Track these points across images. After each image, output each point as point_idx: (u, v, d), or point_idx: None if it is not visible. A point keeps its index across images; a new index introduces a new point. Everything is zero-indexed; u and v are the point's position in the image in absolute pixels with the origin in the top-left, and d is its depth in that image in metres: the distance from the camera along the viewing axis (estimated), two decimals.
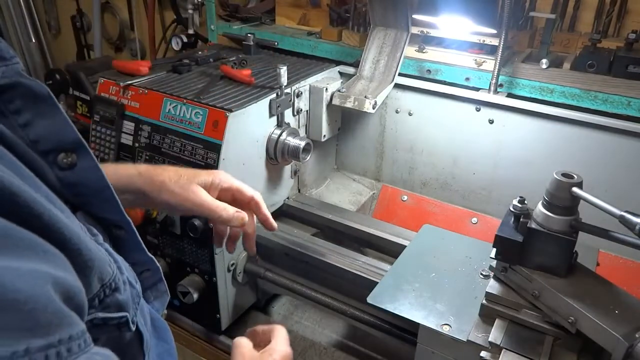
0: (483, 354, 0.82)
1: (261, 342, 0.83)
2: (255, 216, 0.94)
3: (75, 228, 0.38)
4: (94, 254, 0.39)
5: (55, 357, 0.31)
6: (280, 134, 1.23)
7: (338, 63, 1.50)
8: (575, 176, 0.77)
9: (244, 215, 0.86)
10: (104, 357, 0.36)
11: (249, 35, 1.54)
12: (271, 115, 1.22)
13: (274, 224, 0.96)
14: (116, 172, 0.78)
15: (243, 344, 0.80)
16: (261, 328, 0.87)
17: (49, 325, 0.31)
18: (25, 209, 0.34)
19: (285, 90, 1.23)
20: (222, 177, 0.88)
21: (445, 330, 0.87)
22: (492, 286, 0.87)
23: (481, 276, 0.99)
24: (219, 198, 0.86)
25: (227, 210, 0.84)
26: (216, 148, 1.10)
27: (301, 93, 1.32)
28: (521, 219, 0.82)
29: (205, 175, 0.85)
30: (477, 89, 1.34)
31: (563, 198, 0.77)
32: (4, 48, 0.42)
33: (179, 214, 0.89)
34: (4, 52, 0.42)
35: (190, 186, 0.82)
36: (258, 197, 0.92)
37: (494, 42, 1.30)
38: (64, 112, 0.45)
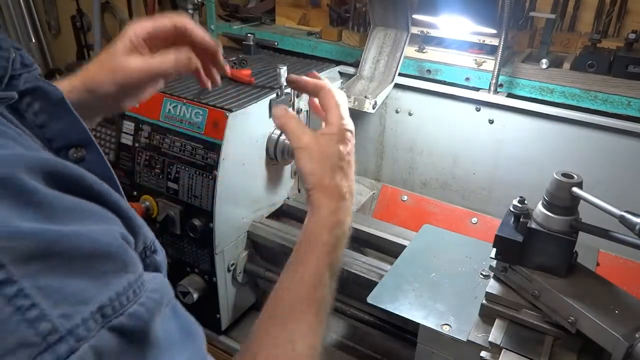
0: (483, 354, 0.82)
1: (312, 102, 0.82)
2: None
3: (122, 200, 0.44)
4: (139, 221, 0.46)
5: (139, 288, 0.39)
6: (280, 134, 1.23)
7: (338, 63, 1.50)
8: (575, 176, 0.77)
9: (185, 54, 0.76)
10: (160, 280, 0.44)
11: (249, 35, 1.54)
12: (271, 115, 1.22)
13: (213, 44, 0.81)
14: None
15: (288, 122, 0.76)
16: (305, 81, 0.83)
17: (132, 264, 0.40)
18: (89, 188, 0.41)
19: (285, 90, 1.23)
20: (135, 29, 0.78)
21: (445, 330, 0.87)
22: (492, 286, 0.87)
23: (481, 276, 0.99)
24: (152, 46, 0.78)
25: (168, 58, 0.75)
26: (216, 148, 1.10)
27: (301, 93, 1.32)
28: (521, 219, 0.82)
29: (119, 42, 0.79)
30: (477, 89, 1.34)
31: (563, 198, 0.77)
32: (25, 56, 0.47)
33: (133, 97, 0.82)
34: (25, 60, 0.46)
35: (114, 63, 0.77)
36: (182, 22, 0.78)
37: (494, 42, 1.30)
38: (75, 112, 0.49)
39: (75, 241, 0.36)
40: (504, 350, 0.79)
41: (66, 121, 0.48)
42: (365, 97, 1.31)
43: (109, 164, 0.50)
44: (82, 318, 0.35)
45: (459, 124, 1.37)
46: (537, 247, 0.81)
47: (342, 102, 0.80)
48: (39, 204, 0.36)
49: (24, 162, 0.37)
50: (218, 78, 0.86)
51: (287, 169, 1.37)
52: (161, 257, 0.50)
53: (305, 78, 0.84)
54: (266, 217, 1.31)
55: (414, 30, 1.39)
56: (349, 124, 0.77)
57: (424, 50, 1.40)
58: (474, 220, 1.42)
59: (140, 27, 0.78)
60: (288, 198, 1.41)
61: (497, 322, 0.84)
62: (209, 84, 0.85)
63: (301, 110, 1.34)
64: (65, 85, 0.75)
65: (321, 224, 0.72)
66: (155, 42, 0.79)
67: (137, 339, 0.38)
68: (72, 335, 0.34)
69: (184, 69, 0.77)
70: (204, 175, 1.13)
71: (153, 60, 0.77)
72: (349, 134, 0.76)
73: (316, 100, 0.83)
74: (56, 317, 0.33)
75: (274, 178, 1.32)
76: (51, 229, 0.35)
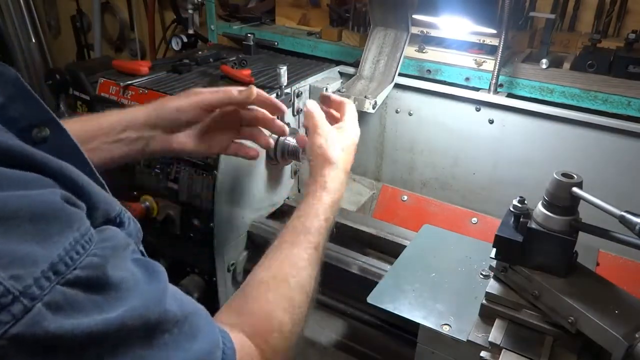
0: (483, 354, 0.82)
1: (329, 112, 1.00)
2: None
3: (73, 170, 0.46)
4: (98, 193, 0.47)
5: (88, 242, 0.41)
6: None
7: (338, 63, 1.50)
8: (575, 176, 0.77)
9: (250, 88, 0.91)
10: (113, 231, 0.46)
11: (249, 35, 1.54)
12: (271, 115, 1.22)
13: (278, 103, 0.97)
14: (117, 114, 0.88)
15: (317, 113, 0.93)
16: (333, 97, 1.01)
17: (76, 221, 0.42)
18: (28, 157, 0.42)
19: (285, 90, 1.23)
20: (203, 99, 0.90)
21: (445, 330, 0.87)
22: (492, 286, 0.87)
23: (481, 276, 0.99)
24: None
25: (234, 89, 0.91)
26: None
27: (301, 93, 1.32)
28: (521, 219, 0.82)
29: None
30: (477, 89, 1.34)
31: (563, 198, 0.77)
32: None
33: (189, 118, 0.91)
34: None
35: (191, 97, 0.89)
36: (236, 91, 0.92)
37: (494, 42, 1.30)
38: (33, 91, 0.49)
39: (17, 203, 0.38)
40: (504, 350, 0.79)
41: (25, 102, 0.48)
42: (365, 97, 1.31)
43: (74, 141, 0.50)
44: (33, 278, 0.37)
45: (459, 124, 1.37)
46: (537, 247, 0.80)
47: (355, 114, 1.01)
48: None
49: None
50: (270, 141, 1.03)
51: (287, 169, 1.37)
52: (131, 229, 0.50)
53: (333, 95, 1.04)
54: (266, 217, 1.31)
55: (414, 30, 1.39)
56: (358, 129, 0.99)
57: (424, 50, 1.40)
58: (474, 220, 1.42)
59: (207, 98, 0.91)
60: (288, 198, 1.41)
61: (497, 322, 0.84)
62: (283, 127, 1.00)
63: (301, 110, 1.34)
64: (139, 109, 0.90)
65: (320, 186, 0.87)
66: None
67: (97, 285, 0.41)
68: (25, 295, 0.36)
69: (249, 95, 0.91)
70: (204, 175, 1.13)
71: (226, 89, 0.92)
72: (355, 137, 0.97)
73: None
74: (7, 279, 0.35)
75: (274, 178, 1.32)
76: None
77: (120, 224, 0.49)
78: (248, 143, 1.01)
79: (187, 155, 0.97)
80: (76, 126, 0.83)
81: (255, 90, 0.91)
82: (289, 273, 0.73)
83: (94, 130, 0.85)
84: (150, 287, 0.46)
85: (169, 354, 0.45)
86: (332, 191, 0.86)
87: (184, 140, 0.92)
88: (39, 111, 0.49)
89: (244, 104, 0.94)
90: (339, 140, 0.92)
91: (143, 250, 0.54)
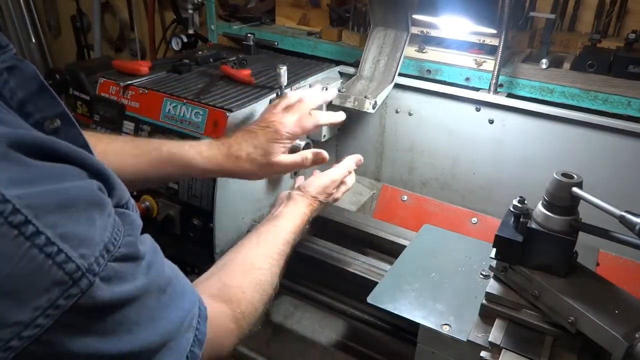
0: (483, 354, 0.82)
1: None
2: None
3: (96, 161, 0.50)
4: (115, 180, 0.52)
5: (120, 225, 0.48)
6: None
7: (338, 63, 1.50)
8: (575, 176, 0.77)
9: (323, 154, 1.09)
10: (132, 215, 0.53)
11: (249, 35, 1.54)
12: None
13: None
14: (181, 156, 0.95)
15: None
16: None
17: (109, 209, 0.48)
18: (64, 154, 0.46)
19: (285, 90, 1.23)
20: (286, 128, 1.00)
21: (445, 330, 0.87)
22: (492, 286, 0.87)
23: (481, 276, 0.99)
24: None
25: (308, 159, 1.07)
26: None
27: None
28: (521, 219, 0.82)
29: (278, 146, 0.99)
30: (477, 89, 1.34)
31: (563, 198, 0.77)
32: (1, 37, 0.51)
33: None
34: (1, 41, 0.51)
35: (267, 161, 0.98)
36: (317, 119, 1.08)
37: (494, 42, 1.30)
38: (49, 86, 0.53)
39: (75, 192, 0.44)
40: (504, 350, 0.79)
41: (42, 96, 0.52)
42: (365, 97, 1.31)
43: (81, 132, 0.54)
44: (94, 257, 0.44)
45: (459, 124, 1.37)
46: (537, 247, 0.81)
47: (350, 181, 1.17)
48: (35, 169, 0.43)
49: (6, 137, 0.41)
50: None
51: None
52: (134, 216, 0.55)
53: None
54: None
55: (414, 30, 1.39)
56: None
57: (424, 50, 1.40)
58: (474, 220, 1.42)
59: (291, 129, 1.01)
60: None
61: (497, 322, 0.84)
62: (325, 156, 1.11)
63: None
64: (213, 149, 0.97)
65: (296, 218, 1.02)
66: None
67: (132, 258, 0.49)
68: (90, 271, 0.43)
69: (322, 161, 1.10)
70: None
71: (296, 159, 1.05)
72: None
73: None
74: (77, 258, 0.42)
75: (274, 178, 1.32)
76: (57, 187, 0.43)
77: (127, 209, 0.54)
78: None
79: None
80: (131, 142, 0.98)
81: (324, 155, 1.09)
82: (263, 263, 0.86)
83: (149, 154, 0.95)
84: (157, 257, 0.55)
85: (169, 310, 0.54)
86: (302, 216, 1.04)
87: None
88: (53, 105, 0.53)
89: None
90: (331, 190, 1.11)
91: None
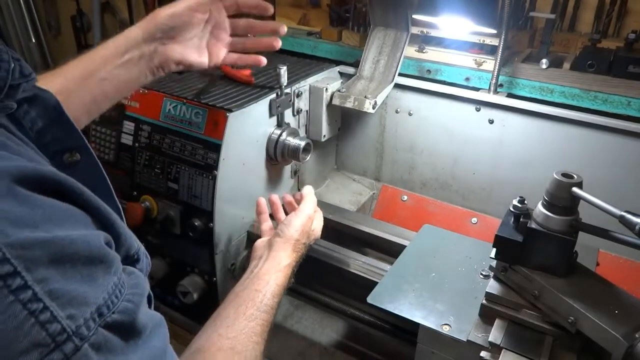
0: (483, 354, 0.82)
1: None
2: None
3: (107, 209, 0.47)
4: (125, 231, 0.48)
5: (122, 287, 0.43)
6: (280, 134, 1.23)
7: (338, 63, 1.50)
8: (575, 176, 0.77)
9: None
10: (138, 277, 0.47)
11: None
12: (271, 115, 1.22)
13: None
14: (114, 40, 0.88)
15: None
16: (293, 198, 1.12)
17: (114, 266, 0.43)
18: (77, 196, 0.43)
19: (285, 90, 1.23)
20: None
21: (445, 330, 0.87)
22: (492, 286, 0.87)
23: (481, 276, 0.99)
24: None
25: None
26: (216, 148, 1.10)
27: (301, 93, 1.32)
28: (521, 219, 0.82)
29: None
30: (477, 89, 1.34)
31: (563, 198, 0.77)
32: (24, 66, 0.49)
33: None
34: (24, 70, 0.49)
35: (183, 2, 0.91)
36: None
37: (494, 42, 1.30)
38: (70, 117, 0.52)
39: (75, 246, 0.40)
40: (504, 350, 0.79)
41: (62, 127, 0.51)
42: (365, 97, 1.31)
43: (101, 168, 0.52)
44: (84, 319, 0.38)
45: (459, 124, 1.37)
46: (537, 247, 0.81)
47: (313, 200, 1.11)
48: (40, 209, 0.39)
49: (11, 172, 0.39)
50: (277, 42, 1.06)
51: (287, 169, 1.37)
52: (143, 265, 0.52)
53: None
54: None
55: (414, 30, 1.39)
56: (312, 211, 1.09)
57: (424, 50, 1.40)
58: (474, 220, 1.42)
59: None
60: None
61: (497, 322, 0.84)
62: (277, 43, 1.05)
63: (301, 110, 1.35)
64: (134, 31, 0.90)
65: (279, 276, 0.94)
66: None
67: (128, 330, 0.43)
68: (77, 335, 0.38)
69: None
70: (204, 175, 1.13)
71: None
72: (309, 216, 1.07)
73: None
74: (64, 318, 0.37)
75: (274, 178, 1.32)
76: (57, 236, 0.38)
77: (137, 260, 0.51)
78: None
79: (189, 68, 0.98)
80: (79, 64, 0.85)
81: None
82: (246, 346, 0.78)
83: (97, 62, 0.86)
84: (158, 342, 0.47)
85: None
86: (284, 268, 0.95)
87: (184, 50, 0.93)
88: (73, 137, 0.51)
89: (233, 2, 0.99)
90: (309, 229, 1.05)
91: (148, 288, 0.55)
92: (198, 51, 0.97)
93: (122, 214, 0.52)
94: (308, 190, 1.11)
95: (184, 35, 0.93)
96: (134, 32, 0.89)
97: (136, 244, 0.50)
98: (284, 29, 1.04)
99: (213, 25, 0.98)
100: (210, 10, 0.96)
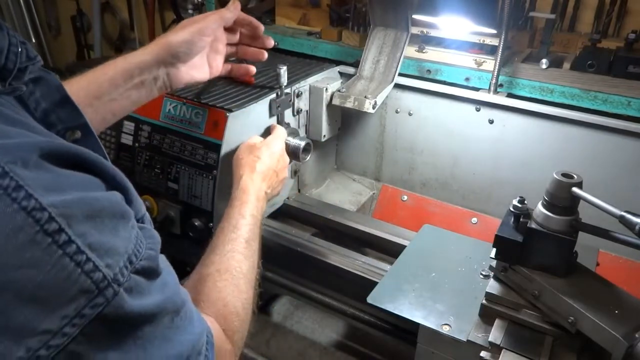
0: (483, 354, 0.82)
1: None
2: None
3: (118, 173, 0.50)
4: (134, 194, 0.52)
5: (142, 237, 0.48)
6: None
7: (338, 63, 1.50)
8: (575, 176, 0.77)
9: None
10: (151, 230, 0.52)
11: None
12: (271, 115, 1.22)
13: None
14: (130, 61, 0.93)
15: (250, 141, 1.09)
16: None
17: (133, 220, 0.48)
18: (92, 164, 0.47)
19: (285, 90, 1.23)
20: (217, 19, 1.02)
21: (445, 330, 0.87)
22: (492, 286, 0.87)
23: (481, 276, 0.99)
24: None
25: (224, 10, 1.02)
26: (216, 148, 1.10)
27: (301, 93, 1.32)
28: (521, 219, 0.82)
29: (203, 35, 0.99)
30: (477, 89, 1.34)
31: (563, 198, 0.77)
32: (30, 49, 0.52)
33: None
34: (30, 53, 0.51)
35: (190, 27, 0.97)
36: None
37: (494, 42, 1.30)
38: (72, 98, 0.54)
39: (100, 203, 0.44)
40: (504, 350, 0.79)
41: (65, 106, 0.54)
42: (365, 97, 1.31)
43: (101, 145, 0.56)
44: (119, 267, 0.44)
45: (459, 124, 1.37)
46: (537, 247, 0.81)
47: (281, 135, 1.18)
48: (64, 177, 0.43)
49: (39, 147, 0.42)
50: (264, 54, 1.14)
51: (287, 169, 1.37)
52: (154, 231, 0.55)
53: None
54: (266, 217, 1.31)
55: (414, 30, 1.39)
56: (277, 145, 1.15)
57: (424, 50, 1.40)
58: (474, 220, 1.42)
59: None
60: (288, 198, 1.41)
61: (497, 322, 0.84)
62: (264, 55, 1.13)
63: (301, 110, 1.35)
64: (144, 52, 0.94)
65: (241, 189, 1.01)
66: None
67: (152, 272, 0.48)
68: (115, 281, 0.43)
69: (237, 9, 1.03)
70: (204, 175, 1.13)
71: (216, 11, 1.02)
72: (274, 150, 1.12)
73: None
74: (104, 267, 0.42)
75: None
76: (85, 196, 0.43)
77: (142, 223, 0.53)
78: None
79: (194, 83, 1.05)
80: (85, 84, 0.89)
81: (239, 3, 1.03)
82: (229, 265, 0.84)
83: (106, 84, 0.90)
84: (171, 278, 0.54)
85: (182, 333, 0.52)
86: (251, 192, 1.00)
87: (191, 70, 1.00)
88: (74, 116, 0.54)
89: (233, 21, 1.05)
90: (257, 151, 1.07)
91: None
92: (202, 67, 1.03)
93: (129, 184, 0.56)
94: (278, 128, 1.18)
95: (193, 57, 0.99)
96: (145, 56, 0.94)
97: (143, 208, 0.53)
98: (271, 43, 1.13)
99: (212, 39, 1.03)
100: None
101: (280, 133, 1.16)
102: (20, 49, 0.50)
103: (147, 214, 0.55)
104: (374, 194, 1.58)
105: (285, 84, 1.20)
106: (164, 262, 0.53)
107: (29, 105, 0.51)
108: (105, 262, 0.42)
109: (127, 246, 0.45)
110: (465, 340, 0.85)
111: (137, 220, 0.52)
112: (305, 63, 1.47)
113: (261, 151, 1.07)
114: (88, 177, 0.46)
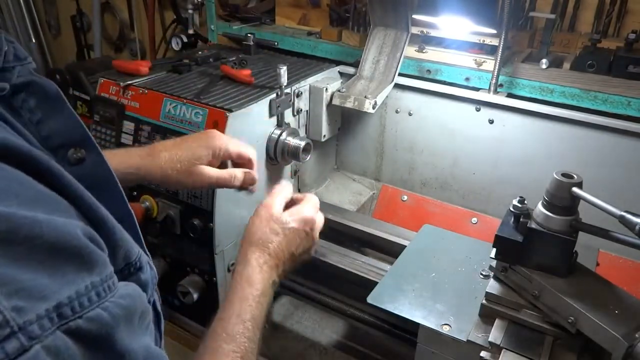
0: (483, 354, 0.82)
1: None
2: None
3: (101, 208, 0.43)
4: (122, 234, 0.44)
5: (105, 291, 0.37)
6: (280, 134, 1.23)
7: (338, 63, 1.50)
8: (575, 176, 0.77)
9: (253, 174, 0.98)
10: (134, 289, 0.42)
11: (249, 35, 1.54)
12: (271, 115, 1.22)
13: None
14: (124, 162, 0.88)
15: (269, 203, 0.90)
16: (295, 195, 0.96)
17: (98, 265, 0.37)
18: (63, 186, 0.39)
19: (285, 90, 1.23)
20: (220, 144, 0.93)
21: (445, 330, 0.87)
22: (492, 286, 0.87)
23: (481, 276, 0.99)
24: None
25: (237, 177, 0.95)
26: None
27: (301, 93, 1.32)
28: (521, 219, 0.82)
29: (204, 150, 0.91)
30: (477, 89, 1.34)
31: (563, 198, 0.77)
32: (19, 48, 0.46)
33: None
34: (19, 53, 0.46)
35: (192, 170, 0.90)
36: (253, 154, 0.99)
37: (494, 42, 1.30)
38: (72, 108, 0.48)
39: (39, 229, 0.34)
40: (504, 350, 0.80)
41: (63, 118, 0.47)
42: (365, 97, 1.31)
43: (110, 167, 0.48)
44: (36, 315, 0.32)
45: (459, 124, 1.37)
46: (537, 247, 0.81)
47: (316, 203, 0.97)
48: (5, 181, 0.35)
49: None
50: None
51: (287, 169, 1.37)
52: (148, 275, 0.47)
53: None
54: None
55: (414, 30, 1.39)
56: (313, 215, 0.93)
57: (424, 50, 1.40)
58: (474, 220, 1.42)
59: (226, 149, 0.94)
60: None
61: (497, 322, 0.85)
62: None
63: (301, 110, 1.35)
64: (135, 158, 0.89)
65: (245, 278, 0.82)
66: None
67: (99, 346, 0.35)
68: (24, 332, 0.31)
69: (251, 183, 0.98)
70: None
71: (225, 175, 0.94)
72: (306, 222, 0.91)
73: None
74: (8, 309, 0.31)
75: (274, 178, 1.32)
76: (16, 213, 0.33)
77: (139, 269, 0.46)
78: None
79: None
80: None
81: (254, 177, 0.98)
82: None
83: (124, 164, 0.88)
84: None
85: None
86: (257, 286, 0.79)
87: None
88: (76, 130, 0.47)
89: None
90: (279, 223, 0.86)
91: (156, 299, 0.52)
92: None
93: (135, 219, 0.49)
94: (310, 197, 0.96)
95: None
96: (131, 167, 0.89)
97: (136, 251, 0.45)
98: (255, 189, 1.02)
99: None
100: None
101: (312, 200, 0.94)
102: (6, 47, 0.44)
103: (144, 257, 0.46)
104: (374, 194, 1.58)
105: (285, 84, 1.20)
106: (142, 352, 0.39)
107: (23, 116, 0.45)
108: (14, 303, 0.31)
109: (61, 292, 0.34)
110: (465, 340, 0.85)
111: (132, 264, 0.44)
112: (305, 63, 1.47)
113: (282, 224, 0.87)
114: (48, 192, 0.37)
